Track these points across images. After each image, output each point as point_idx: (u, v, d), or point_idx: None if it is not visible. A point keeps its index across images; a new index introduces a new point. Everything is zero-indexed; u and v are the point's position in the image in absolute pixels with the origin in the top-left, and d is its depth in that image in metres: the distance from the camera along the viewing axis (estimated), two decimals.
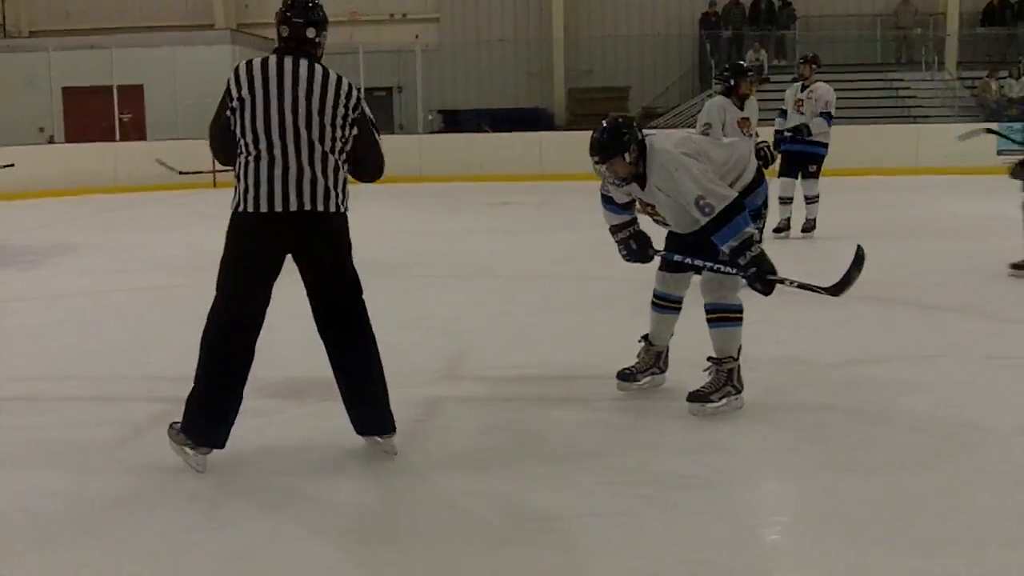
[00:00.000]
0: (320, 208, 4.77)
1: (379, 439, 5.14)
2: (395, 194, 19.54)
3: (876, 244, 12.00)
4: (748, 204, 5.53)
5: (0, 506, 4.62)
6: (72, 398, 6.33)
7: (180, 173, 13.27)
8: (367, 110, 4.98)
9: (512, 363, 6.86)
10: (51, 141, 24.22)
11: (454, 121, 27.37)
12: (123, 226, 16.05)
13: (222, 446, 4.94)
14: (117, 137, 23.53)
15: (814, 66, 12.48)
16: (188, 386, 4.90)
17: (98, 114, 23.87)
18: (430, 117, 27.46)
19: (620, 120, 5.65)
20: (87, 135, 23.35)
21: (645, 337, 6.10)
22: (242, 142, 4.81)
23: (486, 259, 11.67)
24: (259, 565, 4.00)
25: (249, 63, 4.84)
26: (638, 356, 6.10)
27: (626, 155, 5.50)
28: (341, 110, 4.84)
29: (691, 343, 6.02)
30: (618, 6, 29.02)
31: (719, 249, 5.47)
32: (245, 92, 4.78)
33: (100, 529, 4.33)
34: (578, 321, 8.10)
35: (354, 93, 4.90)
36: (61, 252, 13.03)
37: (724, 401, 5.65)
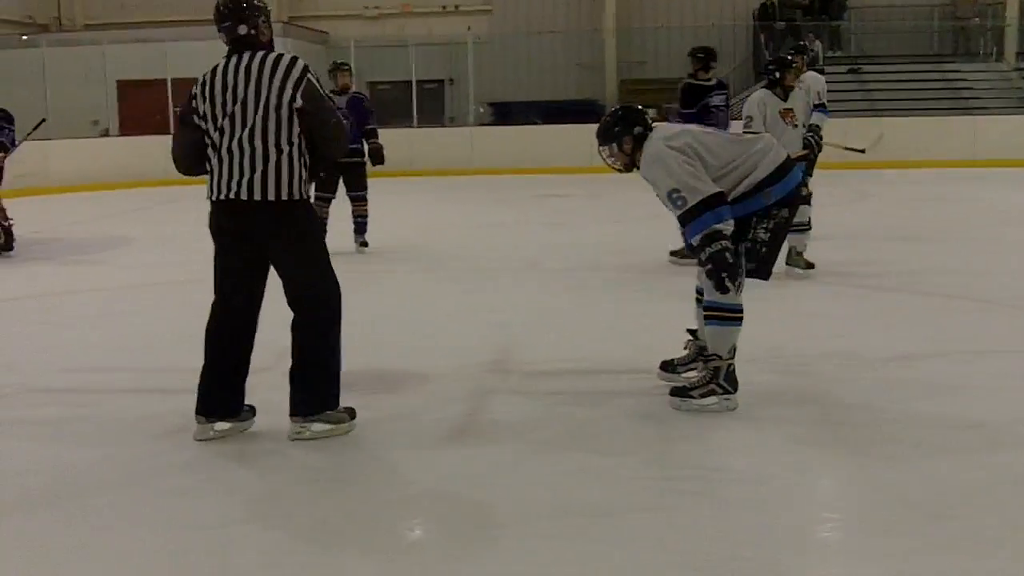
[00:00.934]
0: (257, 197, 4.92)
1: (291, 419, 5.19)
2: (445, 186, 19.60)
3: (929, 236, 11.97)
4: (757, 202, 5.49)
5: (48, 495, 4.64)
6: (122, 390, 6.38)
7: None
8: (319, 89, 5.05)
9: (560, 356, 6.83)
10: (105, 134, 24.38)
11: (505, 113, 27.32)
12: (176, 219, 16.12)
13: (219, 414, 5.20)
14: (171, 130, 23.64)
15: (804, 56, 12.16)
16: None
17: (152, 107, 23.99)
18: (481, 110, 27.46)
19: (621, 110, 5.82)
20: (141, 128, 23.49)
21: (693, 331, 6.06)
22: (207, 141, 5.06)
23: (535, 252, 11.65)
24: (305, 558, 3.99)
25: (208, 72, 5.07)
26: (685, 348, 6.06)
27: (615, 145, 5.69)
28: (288, 93, 4.94)
29: (750, 338, 5.95)
30: None
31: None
32: (202, 101, 5.04)
33: (147, 522, 4.34)
34: (627, 314, 8.07)
35: (296, 70, 4.98)
36: (114, 245, 13.14)
37: (711, 400, 5.58)
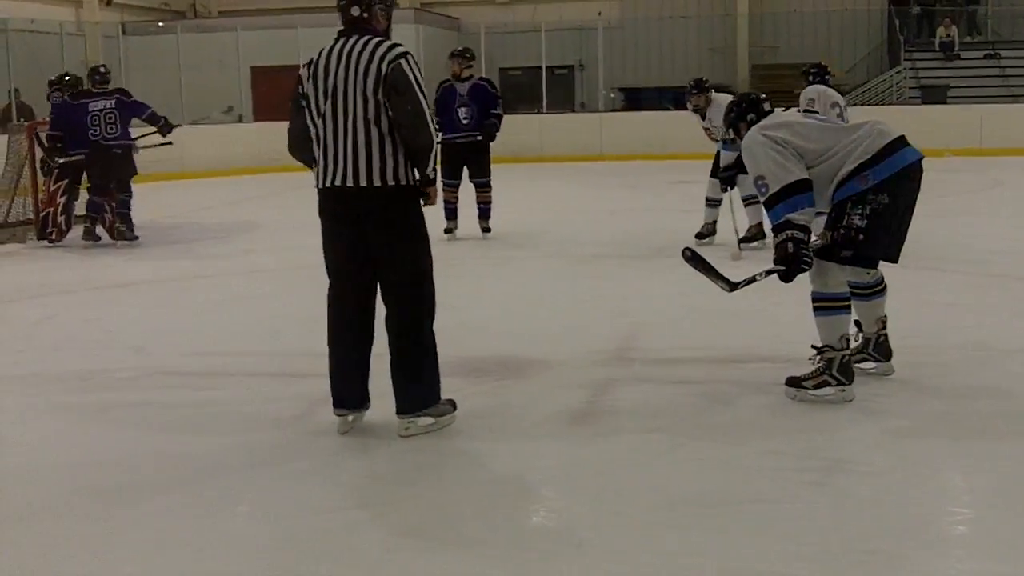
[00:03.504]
0: (363, 183, 4.93)
1: (397, 416, 5.14)
2: (575, 172, 19.57)
3: None
4: (852, 187, 5.45)
5: (173, 477, 4.74)
6: (251, 373, 6.49)
7: None
8: (410, 74, 4.93)
9: (685, 345, 6.80)
10: (239, 120, 24.73)
11: (635, 99, 27.23)
12: (306, 204, 16.25)
13: (350, 406, 5.16)
14: None
15: (708, 95, 10.91)
16: None
17: (285, 93, 24.09)
18: (611, 95, 27.38)
19: (741, 99, 6.17)
20: (274, 114, 23.72)
21: (857, 323, 5.93)
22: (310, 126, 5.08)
23: (664, 238, 11.54)
24: (423, 543, 4.02)
25: (316, 55, 5.08)
26: (853, 340, 5.94)
27: (732, 130, 6.00)
28: (373, 74, 4.89)
29: (920, 329, 5.86)
30: None
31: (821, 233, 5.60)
32: (308, 85, 5.06)
33: (269, 506, 4.41)
34: (756, 302, 7.97)
35: (390, 56, 4.92)
36: (245, 229, 13.34)
37: (827, 391, 5.50)
